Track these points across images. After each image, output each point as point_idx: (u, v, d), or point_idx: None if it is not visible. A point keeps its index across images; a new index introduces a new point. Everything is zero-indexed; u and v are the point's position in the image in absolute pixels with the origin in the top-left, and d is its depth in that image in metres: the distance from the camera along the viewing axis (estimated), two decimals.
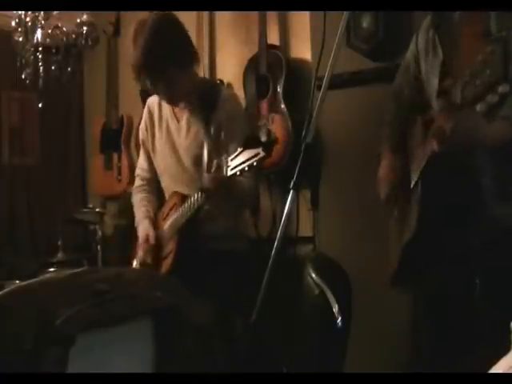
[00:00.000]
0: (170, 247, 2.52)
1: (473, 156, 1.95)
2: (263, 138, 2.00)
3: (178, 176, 2.59)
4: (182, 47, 2.50)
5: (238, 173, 2.12)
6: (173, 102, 2.60)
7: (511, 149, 1.90)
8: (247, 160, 2.07)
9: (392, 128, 2.31)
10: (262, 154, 2.03)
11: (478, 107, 1.87)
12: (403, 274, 2.14)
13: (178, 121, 2.61)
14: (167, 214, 2.59)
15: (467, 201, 1.96)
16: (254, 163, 2.06)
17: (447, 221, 1.99)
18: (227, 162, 2.16)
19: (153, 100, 2.73)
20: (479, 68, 1.78)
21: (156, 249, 2.60)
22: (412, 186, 2.09)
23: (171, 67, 2.44)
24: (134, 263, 2.72)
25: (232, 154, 2.14)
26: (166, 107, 2.67)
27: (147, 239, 2.60)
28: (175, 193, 2.58)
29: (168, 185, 2.66)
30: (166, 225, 2.57)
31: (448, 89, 2.04)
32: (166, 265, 2.51)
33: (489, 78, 1.77)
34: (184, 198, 2.49)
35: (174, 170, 2.61)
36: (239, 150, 2.11)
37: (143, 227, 2.65)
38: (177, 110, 2.64)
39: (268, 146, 2.03)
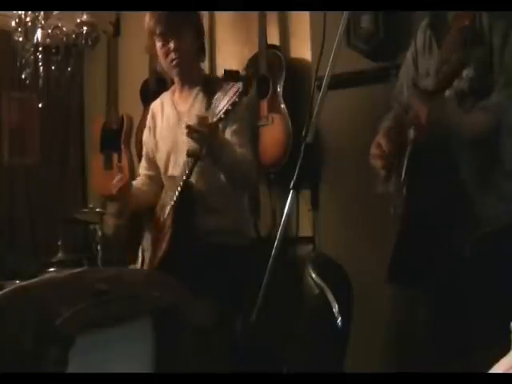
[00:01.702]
0: (165, 231, 2.53)
1: (452, 148, 1.96)
2: (242, 72, 2.05)
3: (179, 165, 2.61)
4: (197, 23, 2.64)
5: (222, 115, 2.17)
6: (180, 72, 2.62)
7: (491, 140, 1.90)
8: (229, 100, 2.13)
9: (390, 122, 2.32)
10: (241, 88, 2.08)
11: (447, 93, 1.90)
12: (396, 270, 2.14)
13: (179, 113, 2.66)
14: (163, 201, 2.62)
15: (450, 196, 1.97)
16: (236, 99, 2.10)
17: (436, 218, 1.99)
18: (212, 112, 2.22)
19: (155, 103, 2.79)
20: (447, 54, 1.80)
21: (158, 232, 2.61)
22: (402, 179, 2.09)
23: (186, 30, 2.55)
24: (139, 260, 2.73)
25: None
26: (167, 105, 2.71)
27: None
28: (169, 178, 2.62)
29: (168, 176, 2.68)
30: (166, 209, 2.58)
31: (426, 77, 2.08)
32: (161, 249, 2.52)
33: (455, 63, 1.79)
34: (175, 178, 2.53)
35: (176, 160, 2.63)
36: (220, 96, 2.18)
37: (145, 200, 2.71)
38: (178, 104, 2.68)
39: (246, 79, 2.05)
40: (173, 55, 2.56)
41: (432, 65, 2.09)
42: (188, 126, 2.30)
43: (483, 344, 1.83)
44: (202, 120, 2.28)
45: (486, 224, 1.95)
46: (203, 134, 2.28)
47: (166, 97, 2.76)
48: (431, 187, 1.98)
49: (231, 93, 2.13)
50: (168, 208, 2.55)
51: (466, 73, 1.88)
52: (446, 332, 2.06)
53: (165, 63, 2.61)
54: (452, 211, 1.98)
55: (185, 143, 2.58)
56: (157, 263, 2.52)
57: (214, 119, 2.20)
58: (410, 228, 2.05)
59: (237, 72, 2.08)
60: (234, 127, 2.49)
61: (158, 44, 2.57)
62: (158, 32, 2.55)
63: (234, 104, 2.12)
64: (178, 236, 2.48)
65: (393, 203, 2.14)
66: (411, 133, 1.91)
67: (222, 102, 2.18)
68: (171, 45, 2.54)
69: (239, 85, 2.08)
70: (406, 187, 2.00)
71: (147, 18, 2.58)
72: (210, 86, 2.58)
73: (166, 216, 2.57)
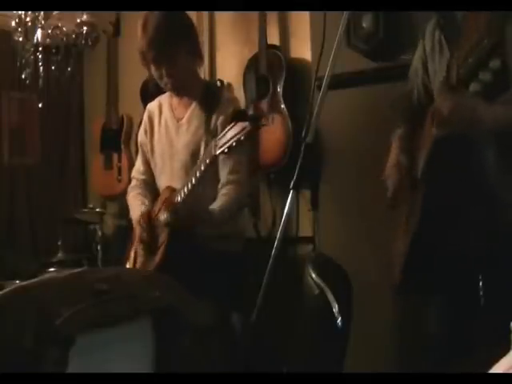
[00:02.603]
0: (161, 240, 2.54)
1: (475, 142, 1.94)
2: (250, 112, 2.04)
3: (174, 172, 2.62)
4: (190, 37, 2.59)
5: (226, 150, 2.15)
6: (176, 91, 2.63)
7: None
8: (235, 135, 2.11)
9: (404, 128, 2.31)
10: (249, 127, 2.05)
11: (472, 86, 1.85)
12: (409, 278, 2.13)
13: (178, 120, 2.64)
14: (159, 209, 2.60)
15: (470, 195, 1.96)
16: (242, 137, 2.08)
17: (450, 218, 1.98)
18: (215, 142, 2.19)
19: (153, 105, 2.77)
20: (472, 45, 1.78)
21: (150, 236, 2.60)
22: (419, 178, 2.08)
23: (178, 52, 2.51)
24: (128, 263, 2.72)
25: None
26: (165, 109, 2.70)
27: (139, 223, 2.61)
28: (168, 187, 2.59)
29: (164, 183, 2.68)
30: (160, 218, 2.58)
31: (447, 72, 2.04)
32: (158, 257, 2.52)
33: (480, 54, 1.76)
34: (174, 190, 2.52)
35: (172, 168, 2.63)
36: (227, 128, 2.15)
37: (136, 214, 2.68)
38: (177, 109, 2.67)
39: (255, 120, 2.04)
40: (166, 80, 2.55)
41: (443, 66, 2.08)
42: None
43: (483, 344, 1.84)
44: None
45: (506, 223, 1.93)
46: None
47: (164, 99, 2.73)
48: (451, 187, 1.97)
49: (238, 128, 2.10)
50: (163, 216, 2.54)
51: (493, 64, 1.82)
52: (451, 331, 2.05)
53: (160, 83, 2.60)
54: (471, 211, 1.97)
55: (181, 151, 2.59)
56: (153, 269, 2.52)
57: (218, 151, 2.19)
58: (424, 232, 2.04)
59: (244, 111, 2.06)
60: (231, 168, 2.50)
61: (152, 67, 2.55)
62: (150, 57, 2.51)
63: (238, 142, 2.11)
64: (175, 244, 2.49)
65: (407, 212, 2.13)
66: (433, 130, 1.89)
67: (228, 135, 2.15)
68: (164, 72, 2.52)
69: (246, 124, 2.07)
70: (423, 190, 1.99)
71: (139, 36, 2.52)
72: (209, 98, 2.58)
73: (162, 220, 2.56)
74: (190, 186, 2.40)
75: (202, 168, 2.32)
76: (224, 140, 2.15)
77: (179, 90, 2.62)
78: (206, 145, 2.51)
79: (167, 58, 2.50)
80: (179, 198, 2.45)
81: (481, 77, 1.81)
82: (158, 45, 2.47)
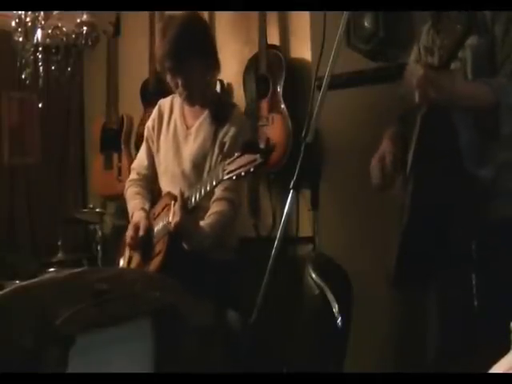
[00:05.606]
0: (158, 248, 2.52)
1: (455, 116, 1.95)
2: (262, 145, 2.05)
3: (176, 179, 2.61)
4: (208, 49, 2.59)
5: (234, 177, 2.15)
6: (189, 101, 2.63)
7: (491, 114, 1.89)
8: (244, 165, 2.11)
9: (400, 122, 2.31)
10: (259, 160, 2.06)
11: (453, 65, 1.90)
12: (401, 272, 2.13)
13: (188, 127, 2.64)
14: (158, 214, 2.59)
15: (456, 189, 1.96)
16: (251, 169, 2.09)
17: (439, 214, 1.99)
18: (223, 166, 2.18)
19: (165, 101, 2.76)
20: (450, 26, 1.81)
21: (144, 243, 2.58)
22: (407, 173, 2.08)
23: (195, 64, 2.51)
24: (121, 262, 2.71)
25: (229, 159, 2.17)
26: (176, 111, 2.69)
27: (137, 228, 2.58)
28: (169, 194, 2.58)
29: (165, 185, 2.68)
30: (158, 225, 2.57)
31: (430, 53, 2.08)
32: (154, 265, 2.50)
33: (456, 33, 1.79)
34: (174, 196, 2.49)
35: (174, 173, 2.63)
36: (236, 154, 2.14)
37: (137, 215, 2.63)
38: (188, 116, 2.66)
39: (266, 153, 2.06)
40: (181, 90, 2.55)
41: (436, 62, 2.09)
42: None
43: (483, 344, 1.84)
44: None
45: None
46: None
47: (176, 100, 2.71)
48: (438, 177, 1.97)
49: (248, 158, 2.10)
50: (162, 222, 2.53)
51: (470, 41, 1.87)
52: (450, 331, 2.05)
53: (174, 90, 2.61)
54: (459, 204, 1.97)
55: (185, 159, 2.60)
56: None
57: (225, 177, 2.17)
58: (415, 224, 2.04)
59: (256, 143, 2.08)
60: (228, 185, 2.46)
61: (168, 76, 2.54)
62: (166, 67, 2.50)
63: (247, 172, 2.11)
64: (174, 251, 2.47)
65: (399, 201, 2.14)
66: (416, 97, 1.90)
67: (237, 163, 2.14)
68: (180, 82, 2.52)
69: (257, 156, 2.07)
70: (412, 181, 2.00)
71: (157, 41, 2.53)
72: (219, 111, 2.58)
73: (160, 227, 2.55)
74: (193, 201, 2.37)
75: (208, 189, 2.30)
76: (233, 167, 2.14)
77: (193, 100, 2.62)
78: (211, 158, 2.53)
79: (184, 71, 2.50)
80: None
81: (460, 55, 1.87)
82: (176, 57, 2.47)
